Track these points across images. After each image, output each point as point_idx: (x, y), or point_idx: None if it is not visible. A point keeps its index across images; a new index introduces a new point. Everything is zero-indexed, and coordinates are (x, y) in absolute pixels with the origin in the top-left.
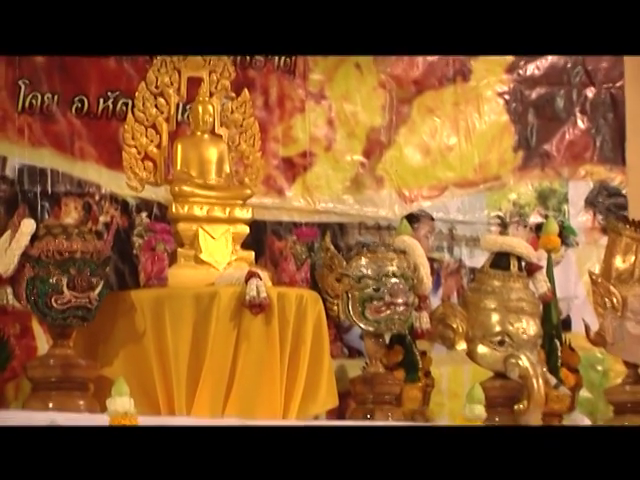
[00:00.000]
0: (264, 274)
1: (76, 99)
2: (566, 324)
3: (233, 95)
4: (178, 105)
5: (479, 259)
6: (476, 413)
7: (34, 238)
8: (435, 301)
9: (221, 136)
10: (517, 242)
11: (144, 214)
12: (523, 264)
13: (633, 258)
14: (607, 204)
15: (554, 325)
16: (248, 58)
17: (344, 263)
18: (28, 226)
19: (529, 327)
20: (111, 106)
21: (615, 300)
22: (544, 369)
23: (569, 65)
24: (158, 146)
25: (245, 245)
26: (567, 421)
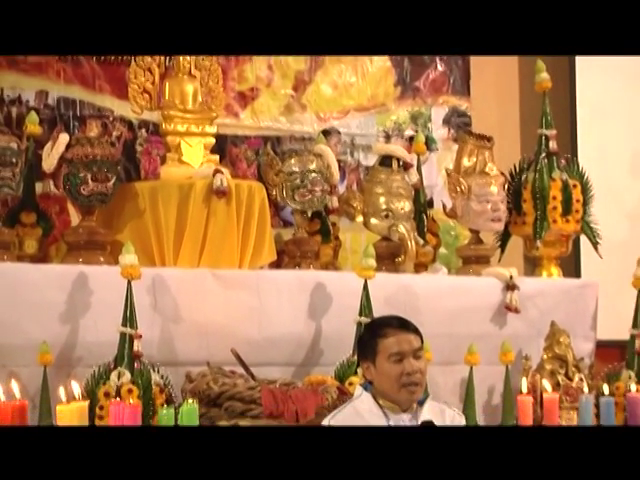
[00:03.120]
0: (225, 171)
1: None
2: (430, 203)
3: None
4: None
5: (371, 160)
6: (369, 264)
7: (68, 147)
8: (341, 189)
9: (195, 76)
10: (397, 148)
11: (143, 130)
12: (401, 163)
13: (475, 159)
14: (457, 122)
15: (422, 204)
16: None
17: (280, 163)
18: (64, 138)
19: (405, 206)
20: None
21: (463, 187)
22: (415, 234)
23: None
24: (153, 83)
25: (212, 151)
26: (430, 270)
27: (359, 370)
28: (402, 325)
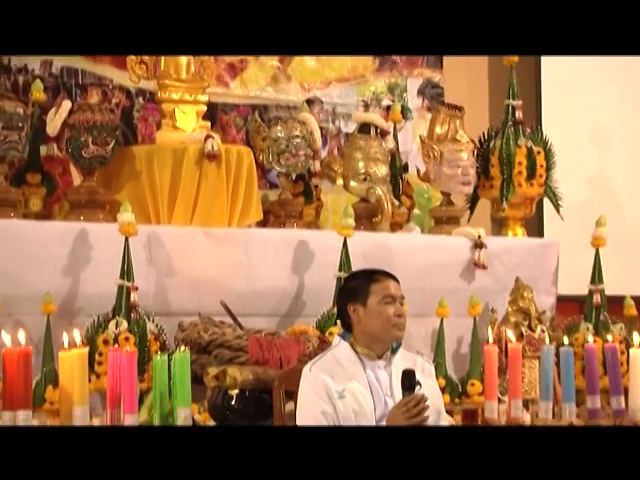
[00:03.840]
0: (216, 136)
1: None
2: (405, 168)
3: None
4: None
5: (351, 127)
6: (348, 223)
7: (70, 112)
8: (323, 154)
9: None
10: (375, 117)
11: (140, 98)
12: (378, 130)
13: (447, 127)
14: (431, 93)
15: (397, 168)
16: None
17: (266, 129)
18: (66, 105)
19: (382, 170)
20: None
21: (435, 153)
22: (391, 196)
23: None
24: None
25: (204, 118)
26: (405, 229)
27: (338, 321)
28: (390, 275)
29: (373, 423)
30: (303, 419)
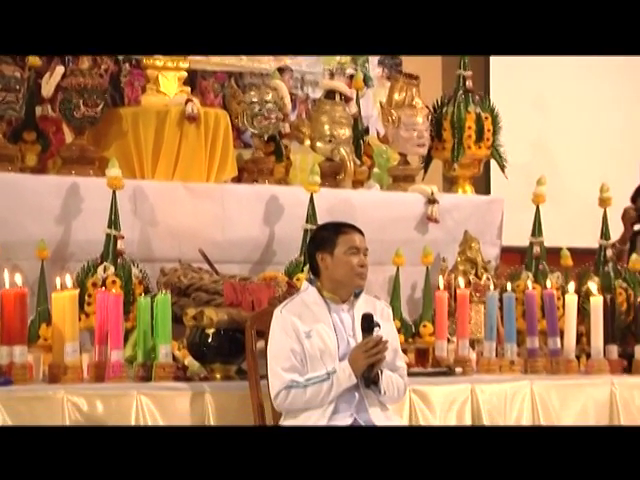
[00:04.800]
0: (196, 100)
1: None
2: (366, 131)
3: None
4: None
5: (318, 94)
6: (315, 180)
7: (63, 77)
8: (293, 117)
9: None
10: (340, 84)
11: (127, 64)
12: (343, 97)
13: (404, 94)
14: (390, 63)
15: (359, 131)
16: None
17: (241, 94)
18: (60, 70)
19: (346, 132)
20: None
21: (394, 118)
22: (353, 156)
23: None
24: None
25: (185, 83)
26: (365, 186)
27: (305, 268)
28: (356, 228)
29: (337, 361)
30: (273, 356)
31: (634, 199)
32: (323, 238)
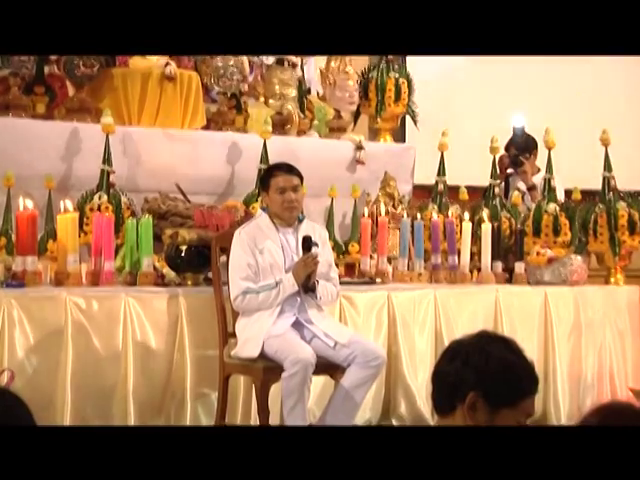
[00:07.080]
0: (173, 63)
1: None
2: (308, 91)
3: None
4: None
5: (270, 60)
6: (268, 129)
7: None
8: (250, 78)
9: None
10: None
11: None
12: (290, 63)
13: (339, 62)
14: None
15: (303, 91)
16: None
17: (210, 60)
18: None
19: (292, 92)
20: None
21: (330, 81)
22: (298, 110)
23: None
24: None
25: None
26: (307, 135)
27: (259, 199)
28: (288, 170)
29: (283, 272)
30: (233, 268)
31: (507, 148)
32: (262, 181)
